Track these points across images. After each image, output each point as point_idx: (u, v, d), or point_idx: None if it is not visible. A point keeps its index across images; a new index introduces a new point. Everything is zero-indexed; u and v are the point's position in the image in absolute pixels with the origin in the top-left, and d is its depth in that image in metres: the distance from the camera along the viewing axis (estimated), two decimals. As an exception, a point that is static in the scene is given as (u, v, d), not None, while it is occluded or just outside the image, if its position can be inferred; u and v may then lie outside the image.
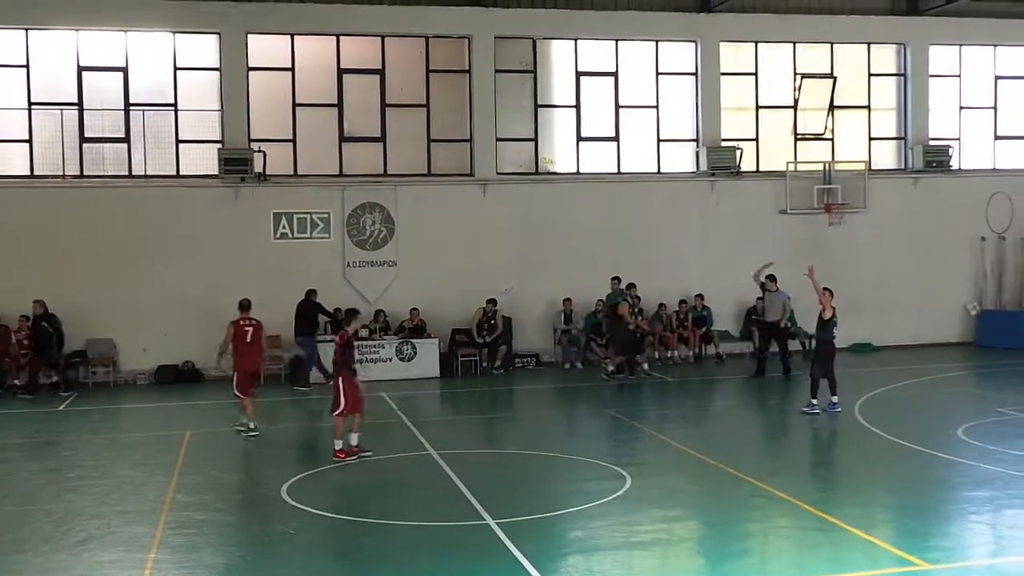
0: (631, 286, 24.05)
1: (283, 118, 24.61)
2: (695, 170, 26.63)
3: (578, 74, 26.17)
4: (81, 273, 23.28)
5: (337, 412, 15.10)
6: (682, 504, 12.65)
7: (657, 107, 26.56)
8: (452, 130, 25.54)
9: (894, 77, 28.08)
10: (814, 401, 18.16)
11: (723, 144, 26.51)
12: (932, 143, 27.77)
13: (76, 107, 23.67)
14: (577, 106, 26.15)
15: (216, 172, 23.81)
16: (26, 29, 23.50)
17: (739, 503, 12.52)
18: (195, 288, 23.53)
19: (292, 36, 24.60)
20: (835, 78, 27.41)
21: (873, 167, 27.63)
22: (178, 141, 24.11)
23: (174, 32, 24.03)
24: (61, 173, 23.63)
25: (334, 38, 24.80)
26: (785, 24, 26.86)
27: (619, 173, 26.33)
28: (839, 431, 17.21)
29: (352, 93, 25.02)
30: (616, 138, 26.36)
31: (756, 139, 27.14)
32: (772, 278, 21.81)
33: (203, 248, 23.91)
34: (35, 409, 20.51)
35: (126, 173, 23.91)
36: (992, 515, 11.89)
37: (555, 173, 26.25)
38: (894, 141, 28.21)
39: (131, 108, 23.87)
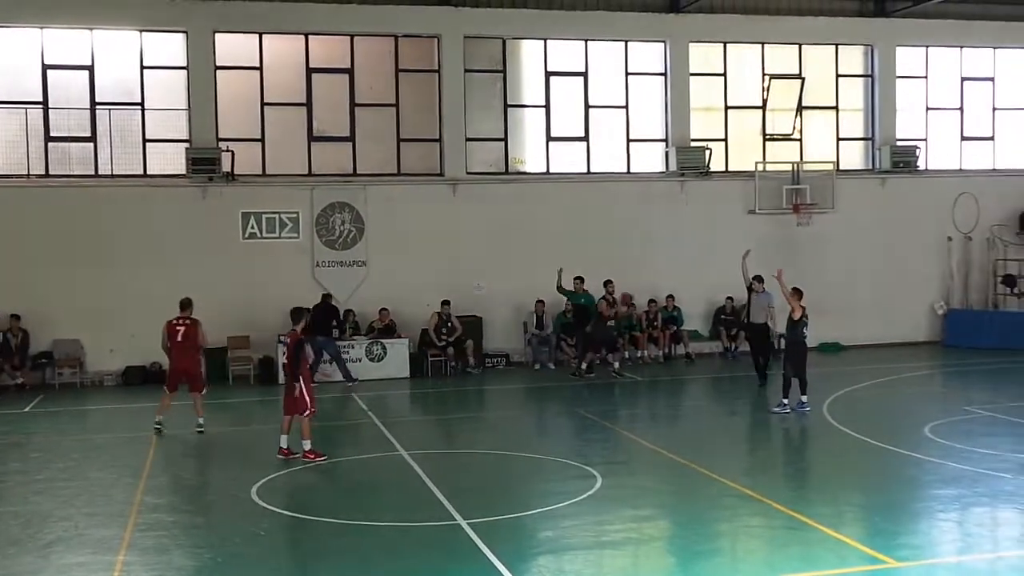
0: (608, 283, 23.81)
1: (251, 117, 24.48)
2: (664, 170, 26.70)
3: (547, 74, 26.18)
4: (47, 273, 23.06)
5: (306, 413, 15.06)
6: (653, 503, 12.68)
7: (627, 107, 26.61)
8: (421, 130, 25.48)
9: (862, 78, 28.29)
10: (785, 401, 18.27)
11: (692, 144, 26.59)
12: (899, 144, 27.99)
13: (41, 106, 23.43)
14: (547, 106, 26.16)
15: (184, 172, 23.66)
16: (-10, 27, 23.31)
17: (709, 502, 12.56)
18: (163, 288, 23.19)
19: (260, 35, 24.46)
20: (803, 79, 27.55)
21: (841, 167, 27.80)
22: (145, 140, 23.90)
23: (141, 30, 23.82)
24: (26, 172, 23.39)
25: (302, 37, 24.68)
26: (753, 25, 26.99)
27: (589, 173, 26.37)
28: (808, 430, 17.30)
29: (321, 92, 24.92)
30: (586, 138, 26.39)
31: (725, 139, 27.24)
32: (759, 279, 21.35)
33: (171, 248, 23.74)
34: (1, 411, 20.27)
35: (92, 172, 23.68)
36: (960, 513, 11.98)
37: (525, 173, 26.25)
38: (862, 142, 28.41)
39: (97, 107, 23.65)
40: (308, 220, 24.58)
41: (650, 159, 26.85)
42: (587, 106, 26.36)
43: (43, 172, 23.51)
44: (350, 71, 24.99)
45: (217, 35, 24.14)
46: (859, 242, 27.68)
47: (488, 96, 25.94)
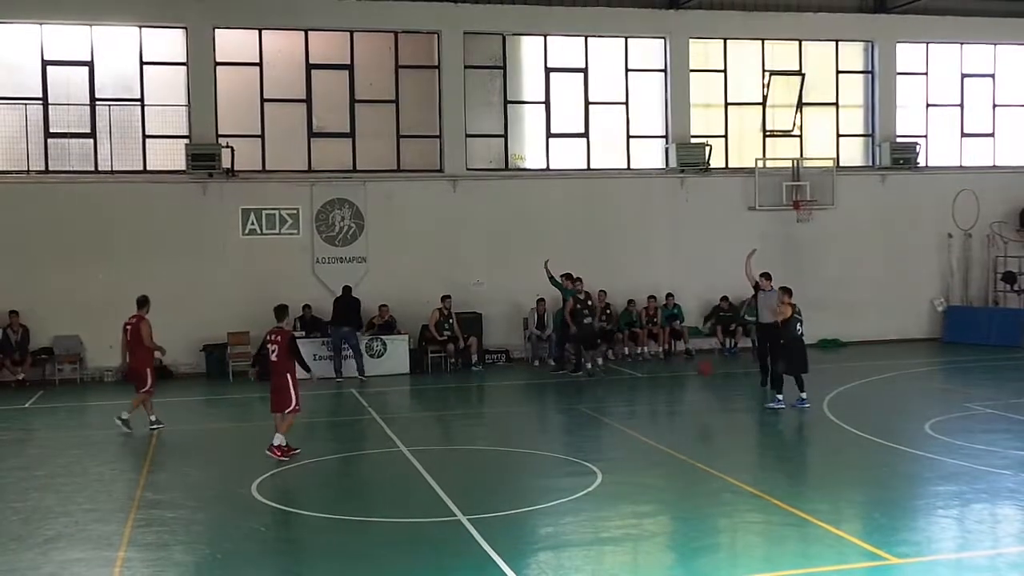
0: (577, 279, 23.14)
1: (251, 113, 24.47)
2: (664, 166, 26.68)
3: (548, 70, 26.17)
4: (47, 269, 23.07)
5: (290, 410, 14.99)
6: (652, 499, 12.66)
7: (627, 103, 26.60)
8: (421, 126, 25.48)
9: (862, 74, 28.28)
10: (780, 397, 18.23)
11: (692, 140, 26.59)
12: (899, 140, 28.00)
13: (40, 101, 23.42)
14: (547, 102, 26.15)
15: (183, 167, 23.66)
16: (-10, 23, 23.29)
17: (709, 498, 12.56)
18: (162, 284, 23.30)
19: (260, 31, 24.46)
20: (803, 75, 27.55)
21: (841, 164, 27.80)
22: (145, 136, 23.91)
23: (140, 26, 23.81)
24: (26, 168, 23.39)
25: (302, 33, 24.68)
26: (754, 21, 26.96)
27: (589, 169, 26.36)
28: (808, 426, 17.29)
29: (321, 88, 24.90)
30: (586, 134, 26.38)
31: (725, 135, 27.23)
32: (767, 276, 20.39)
33: (170, 244, 23.74)
34: (1, 407, 20.27)
35: (92, 168, 23.67)
36: (959, 509, 11.96)
37: (525, 169, 26.24)
38: (862, 138, 28.40)
39: (97, 103, 23.64)
40: (308, 216, 24.57)
41: (650, 155, 26.84)
42: (587, 102, 26.34)
43: (43, 168, 23.50)
44: (350, 67, 24.97)
45: (217, 31, 24.13)
46: (859, 238, 27.68)
47: (488, 92, 25.93)
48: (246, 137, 24.32)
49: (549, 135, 26.22)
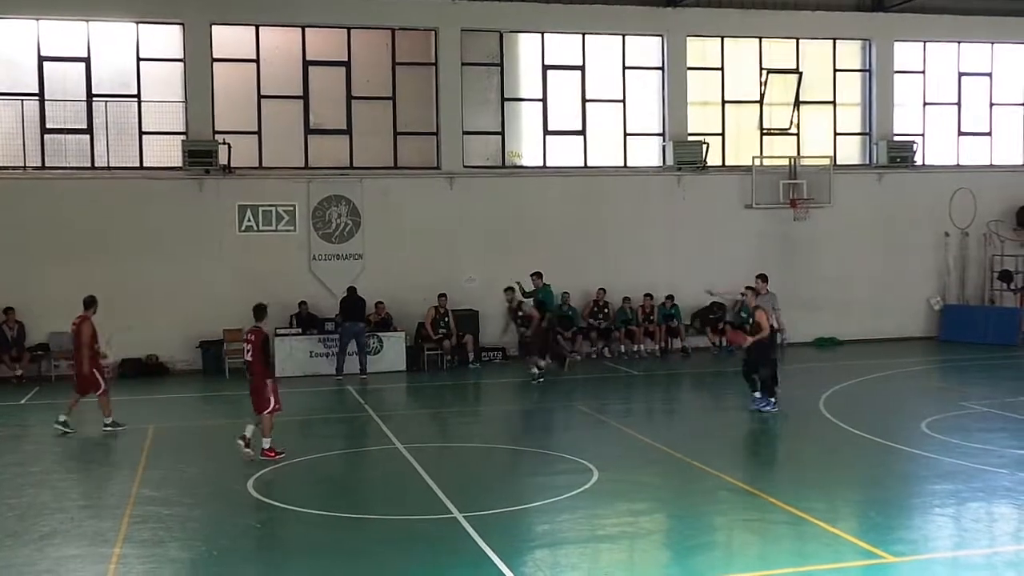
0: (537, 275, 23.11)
1: (248, 110, 24.43)
2: (661, 164, 26.67)
3: (545, 67, 26.15)
4: (43, 265, 23.01)
5: (269, 411, 14.86)
6: (648, 497, 12.68)
7: (624, 101, 26.57)
8: (418, 123, 25.45)
9: (859, 73, 28.27)
10: (773, 400, 18.05)
11: (689, 138, 26.58)
12: (896, 139, 27.99)
13: (37, 97, 23.38)
14: (544, 99, 26.13)
15: (180, 164, 23.60)
16: (-14, 18, 23.25)
17: (705, 496, 12.58)
18: (159, 281, 23.36)
19: (257, 27, 24.40)
20: (801, 73, 27.53)
21: (838, 162, 27.80)
22: (141, 132, 23.84)
23: (137, 22, 23.76)
24: (22, 164, 23.33)
25: (299, 29, 24.63)
26: (751, 19, 26.95)
27: (586, 167, 26.33)
28: (804, 425, 17.31)
29: (318, 85, 24.86)
30: (583, 132, 26.36)
31: (722, 134, 27.22)
32: (763, 277, 20.24)
33: (167, 240, 23.70)
34: (-4, 403, 20.29)
35: (89, 164, 23.63)
36: (955, 508, 11.98)
37: (522, 167, 26.21)
38: (859, 137, 28.40)
39: (93, 99, 23.59)
40: (305, 213, 24.54)
41: (647, 153, 26.82)
42: (584, 100, 26.32)
43: (39, 164, 23.44)
44: (347, 64, 24.94)
45: (214, 27, 24.07)
46: (856, 237, 27.67)
47: (485, 89, 25.90)
48: (243, 134, 24.26)
49: (546, 132, 26.19)
